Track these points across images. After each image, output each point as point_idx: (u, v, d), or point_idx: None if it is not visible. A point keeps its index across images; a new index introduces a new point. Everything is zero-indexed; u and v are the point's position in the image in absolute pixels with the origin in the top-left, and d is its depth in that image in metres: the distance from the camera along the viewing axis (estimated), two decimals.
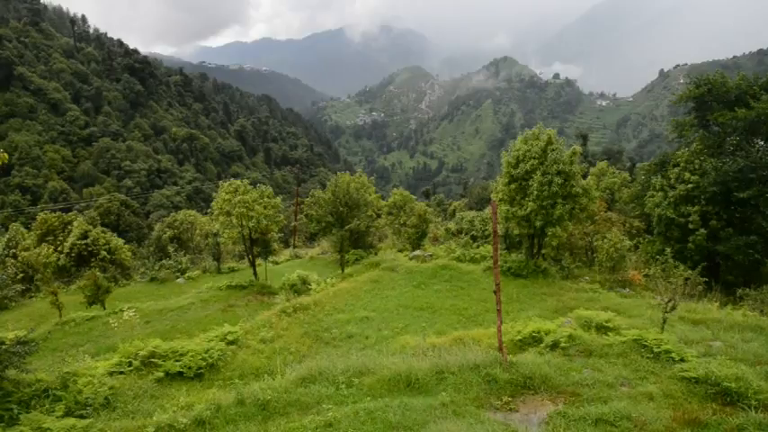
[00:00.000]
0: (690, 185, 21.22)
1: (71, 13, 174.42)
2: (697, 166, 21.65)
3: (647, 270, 17.89)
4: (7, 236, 29.38)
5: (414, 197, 32.68)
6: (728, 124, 22.05)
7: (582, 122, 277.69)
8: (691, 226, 20.89)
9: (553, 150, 18.38)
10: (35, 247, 27.16)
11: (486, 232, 27.96)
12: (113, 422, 6.81)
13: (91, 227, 29.71)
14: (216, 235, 24.63)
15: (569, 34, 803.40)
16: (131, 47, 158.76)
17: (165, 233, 32.33)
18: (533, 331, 9.90)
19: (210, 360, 10.06)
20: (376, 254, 25.07)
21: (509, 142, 28.71)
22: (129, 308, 16.14)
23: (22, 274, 23.55)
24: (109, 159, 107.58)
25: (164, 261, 27.68)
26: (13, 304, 20.97)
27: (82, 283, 18.99)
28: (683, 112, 27.38)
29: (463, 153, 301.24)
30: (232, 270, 26.75)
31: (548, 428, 6.16)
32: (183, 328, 14.60)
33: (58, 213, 32.98)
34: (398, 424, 6.17)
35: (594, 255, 21.14)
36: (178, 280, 25.17)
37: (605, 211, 25.97)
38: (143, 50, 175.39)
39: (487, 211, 30.96)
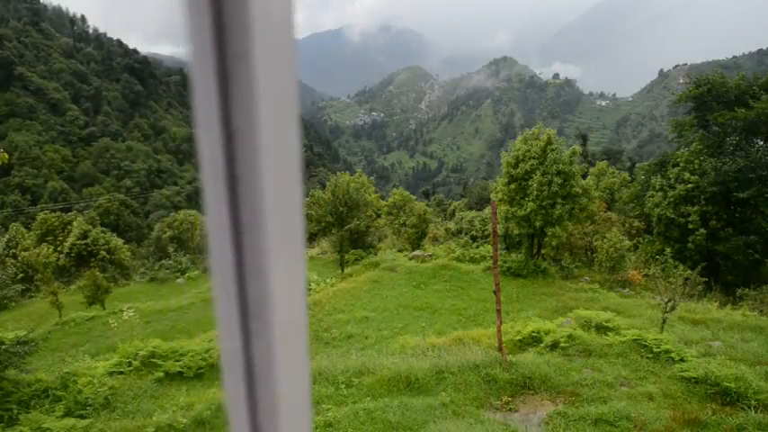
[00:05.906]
0: (689, 185, 21.23)
1: (71, 13, 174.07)
2: (697, 166, 21.65)
3: (646, 270, 17.93)
4: (7, 236, 29.39)
5: (413, 197, 32.66)
6: (728, 124, 22.08)
7: (582, 122, 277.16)
8: (690, 226, 20.90)
9: (553, 150, 18.40)
10: (35, 247, 27.17)
11: (486, 232, 27.96)
12: (113, 422, 6.81)
13: (90, 227, 29.72)
14: None
15: (569, 34, 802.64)
16: (131, 47, 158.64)
17: (165, 233, 32.34)
18: (533, 331, 9.90)
19: (210, 360, 10.05)
20: (376, 254, 25.04)
21: (509, 142, 28.68)
22: (128, 308, 16.11)
23: (22, 274, 23.55)
24: (109, 159, 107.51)
25: (163, 261, 27.69)
26: (13, 304, 20.97)
27: (82, 283, 19.01)
28: (682, 112, 27.39)
29: (463, 153, 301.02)
30: None
31: (547, 428, 6.17)
32: (183, 328, 14.61)
33: (57, 213, 33.03)
34: (398, 424, 6.17)
35: (594, 255, 21.14)
36: (178, 280, 25.17)
37: (605, 211, 25.95)
38: (143, 50, 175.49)
39: (487, 211, 30.96)
